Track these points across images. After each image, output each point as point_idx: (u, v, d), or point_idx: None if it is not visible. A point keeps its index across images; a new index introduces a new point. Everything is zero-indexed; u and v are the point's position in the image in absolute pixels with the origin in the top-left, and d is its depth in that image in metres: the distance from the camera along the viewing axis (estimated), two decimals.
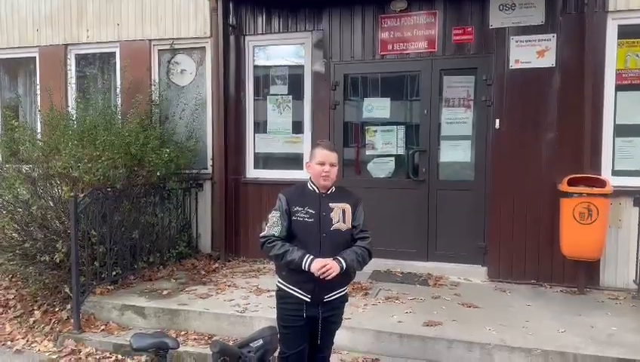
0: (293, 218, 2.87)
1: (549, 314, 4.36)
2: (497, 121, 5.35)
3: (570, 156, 5.05)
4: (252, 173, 6.45)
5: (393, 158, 5.87)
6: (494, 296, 4.92)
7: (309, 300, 2.83)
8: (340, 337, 3.95)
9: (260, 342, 1.64)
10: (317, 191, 2.94)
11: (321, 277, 2.70)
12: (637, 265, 4.84)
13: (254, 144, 6.46)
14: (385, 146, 5.88)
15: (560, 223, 4.92)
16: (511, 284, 5.23)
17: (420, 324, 4.17)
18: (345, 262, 2.79)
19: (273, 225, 2.88)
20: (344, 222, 2.90)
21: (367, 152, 5.95)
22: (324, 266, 2.71)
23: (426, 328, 4.10)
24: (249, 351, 1.58)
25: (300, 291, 2.85)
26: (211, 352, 1.52)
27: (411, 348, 3.97)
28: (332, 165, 2.90)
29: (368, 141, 5.94)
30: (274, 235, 2.86)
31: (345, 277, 2.90)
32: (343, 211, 2.91)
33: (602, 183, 4.78)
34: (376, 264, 5.76)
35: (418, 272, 5.62)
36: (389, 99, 5.86)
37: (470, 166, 5.62)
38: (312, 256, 2.76)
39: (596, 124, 5.03)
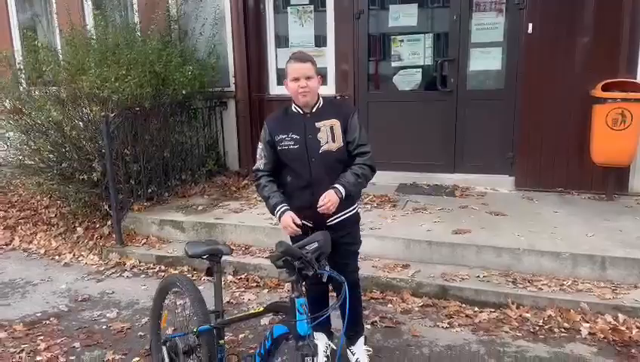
0: (279, 148, 2.69)
1: (577, 220, 4.43)
2: (530, 25, 5.11)
3: (605, 62, 4.86)
4: (275, 89, 6.38)
5: (420, 69, 5.73)
6: (522, 204, 4.99)
7: (311, 226, 2.72)
8: (371, 245, 4.12)
9: (315, 244, 1.71)
10: (301, 111, 2.71)
11: (324, 214, 2.59)
12: None
13: (276, 59, 6.34)
14: (411, 57, 5.71)
15: (591, 130, 4.86)
16: (538, 193, 5.27)
17: (449, 232, 4.28)
18: (344, 189, 2.60)
19: (258, 157, 2.78)
20: (334, 140, 2.66)
21: (393, 64, 5.80)
22: (323, 206, 2.55)
23: (455, 235, 4.21)
24: (306, 253, 1.66)
25: (301, 218, 2.72)
26: (276, 251, 1.61)
27: (440, 255, 4.10)
28: (308, 78, 2.60)
29: (394, 52, 5.77)
30: (259, 169, 2.77)
31: (347, 200, 2.72)
32: (331, 128, 2.66)
33: (638, 87, 4.65)
34: (402, 177, 5.84)
35: (444, 184, 5.68)
36: (416, 5, 5.60)
37: (500, 74, 5.47)
38: (283, 208, 2.62)
39: (634, 25, 4.79)
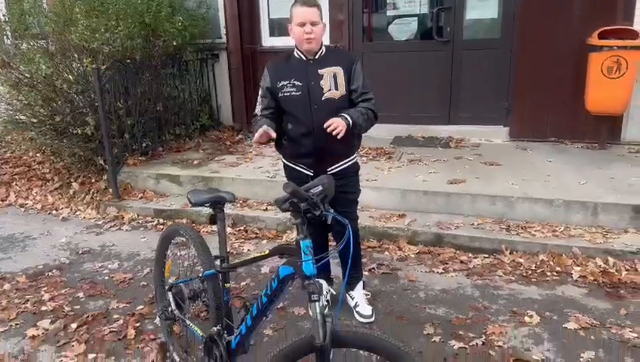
0: (280, 94, 2.64)
1: (570, 168, 4.49)
2: None
3: (602, 9, 4.80)
4: (268, 41, 6.26)
5: (416, 18, 5.64)
6: (516, 154, 5.04)
7: (312, 174, 2.73)
8: (368, 197, 4.16)
9: (320, 188, 1.73)
10: (303, 58, 2.65)
11: (333, 134, 2.47)
12: None
13: (269, 9, 6.19)
14: (407, 5, 5.61)
15: (587, 79, 4.85)
16: (532, 143, 5.31)
17: (444, 182, 4.32)
18: (350, 117, 2.54)
19: (258, 103, 2.73)
20: (337, 88, 2.62)
21: (389, 13, 5.70)
22: (331, 125, 2.46)
23: (450, 185, 4.26)
24: (312, 195, 1.69)
25: (301, 165, 2.78)
26: (284, 192, 1.63)
27: (436, 204, 4.17)
28: (314, 24, 2.55)
29: (389, 0, 5.65)
30: (256, 114, 2.71)
31: (346, 146, 2.73)
32: (334, 76, 2.62)
33: (634, 35, 4.63)
34: (397, 129, 5.84)
35: (440, 136, 5.70)
36: None
37: (497, 23, 5.39)
38: (263, 127, 2.44)
39: None
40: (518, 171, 4.48)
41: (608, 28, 4.70)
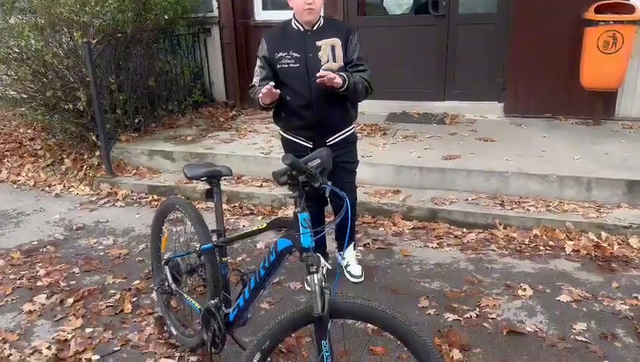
0: (278, 66, 2.62)
1: (565, 144, 4.50)
2: None
3: None
4: (261, 15, 6.17)
5: None
6: (510, 130, 5.04)
7: (311, 146, 2.74)
8: (363, 173, 4.14)
9: (318, 161, 1.72)
10: (301, 29, 2.64)
11: (327, 84, 2.45)
12: None
13: None
14: None
15: (582, 54, 4.83)
16: (527, 118, 5.31)
17: (439, 158, 4.33)
18: (348, 78, 2.51)
19: (255, 74, 2.70)
20: (334, 60, 2.61)
21: None
22: (324, 75, 2.42)
23: (445, 161, 4.27)
24: (310, 168, 1.67)
25: (300, 138, 2.77)
26: (283, 164, 1.62)
27: (431, 180, 4.17)
28: None
29: None
30: (254, 85, 2.69)
31: (344, 117, 2.77)
32: (333, 48, 2.61)
33: (630, 9, 4.60)
34: (392, 106, 5.81)
35: (434, 112, 5.68)
36: None
37: None
38: (268, 85, 2.41)
39: None
40: (512, 147, 4.49)
41: (604, 2, 4.67)
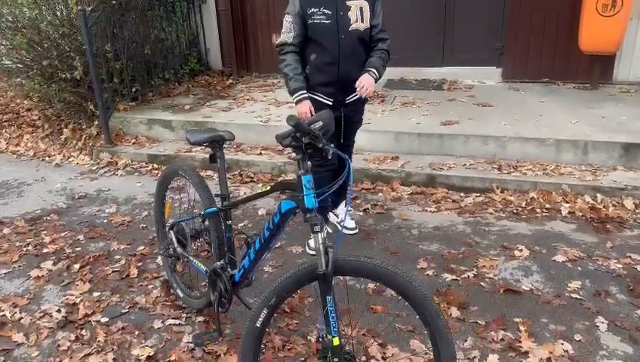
0: (309, 21, 2.72)
1: (562, 108, 4.52)
2: None
3: None
4: None
5: None
6: (508, 95, 5.05)
7: (331, 103, 2.84)
8: (361, 140, 4.16)
9: (320, 123, 1.74)
10: None
11: (363, 96, 2.79)
12: None
13: None
14: None
15: (581, 17, 4.80)
16: (525, 84, 5.31)
17: (437, 124, 4.35)
18: (377, 73, 2.80)
19: (286, 30, 2.76)
20: (362, 21, 2.76)
21: None
22: (361, 87, 2.73)
23: (443, 127, 4.29)
24: (314, 129, 1.70)
25: (321, 95, 2.87)
26: (288, 125, 1.64)
27: (429, 146, 4.21)
28: None
29: None
30: (286, 42, 2.76)
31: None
32: (361, 9, 2.74)
33: None
34: (389, 73, 5.68)
35: (432, 78, 5.67)
36: None
37: None
38: (303, 95, 2.75)
39: None
40: (510, 112, 4.50)
41: None
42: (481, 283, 2.72)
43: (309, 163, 1.76)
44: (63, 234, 3.45)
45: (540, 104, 4.69)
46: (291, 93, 2.80)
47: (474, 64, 5.57)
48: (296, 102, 2.78)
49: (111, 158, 4.70)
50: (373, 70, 2.79)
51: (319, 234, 1.70)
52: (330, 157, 1.81)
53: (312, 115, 2.65)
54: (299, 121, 1.62)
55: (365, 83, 2.74)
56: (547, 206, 3.50)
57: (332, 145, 1.77)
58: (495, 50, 5.46)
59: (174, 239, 2.51)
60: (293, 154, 1.77)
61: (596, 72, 4.99)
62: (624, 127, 4.03)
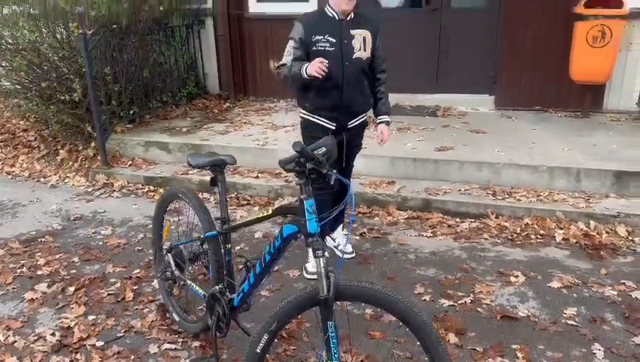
0: (313, 48, 2.76)
1: (554, 136, 4.60)
2: None
3: None
4: (255, 7, 6.17)
5: None
6: (501, 123, 5.13)
7: (334, 128, 2.90)
8: (358, 164, 4.17)
9: (324, 149, 1.77)
10: (337, 17, 2.80)
11: (347, 123, 2.91)
12: None
13: None
14: None
15: (572, 48, 4.93)
16: (517, 111, 5.41)
17: (432, 150, 4.40)
18: (389, 115, 3.05)
19: (287, 54, 2.82)
20: (365, 50, 2.84)
21: None
22: (381, 141, 3.04)
23: (438, 152, 4.35)
24: (317, 155, 1.72)
25: (324, 120, 2.91)
26: (293, 150, 1.67)
27: (425, 171, 4.25)
28: None
29: None
30: (286, 64, 2.80)
31: (366, 103, 3.01)
32: (364, 39, 2.83)
33: (619, 3, 4.69)
34: None
35: (426, 104, 5.75)
36: None
37: None
38: (306, 64, 2.66)
39: None
40: (503, 139, 4.58)
41: None
42: (478, 309, 2.73)
43: (310, 187, 1.79)
44: (57, 256, 3.43)
45: (532, 131, 4.78)
46: (300, 72, 2.69)
47: (467, 91, 5.67)
48: (307, 71, 2.65)
49: (107, 180, 4.69)
50: (387, 118, 3.04)
51: (321, 258, 1.71)
52: (332, 183, 1.84)
53: (324, 62, 2.60)
54: (304, 147, 1.65)
55: (385, 136, 3.05)
56: (541, 232, 3.54)
57: (334, 171, 1.80)
58: (488, 78, 5.57)
59: (172, 262, 2.50)
60: (292, 178, 1.79)
61: (587, 100, 5.10)
62: (615, 155, 4.11)
